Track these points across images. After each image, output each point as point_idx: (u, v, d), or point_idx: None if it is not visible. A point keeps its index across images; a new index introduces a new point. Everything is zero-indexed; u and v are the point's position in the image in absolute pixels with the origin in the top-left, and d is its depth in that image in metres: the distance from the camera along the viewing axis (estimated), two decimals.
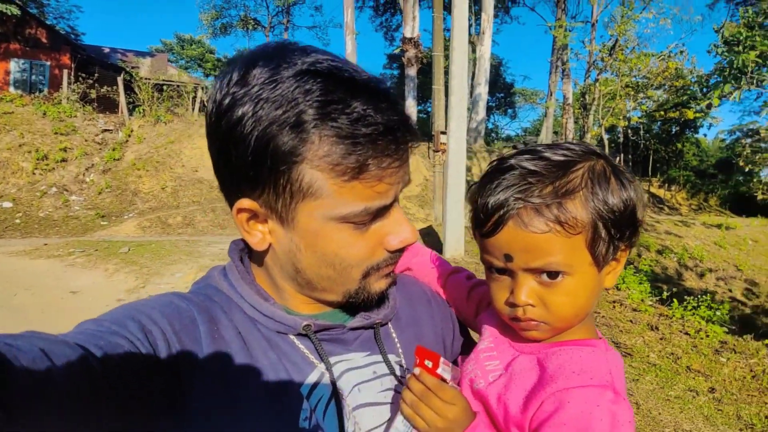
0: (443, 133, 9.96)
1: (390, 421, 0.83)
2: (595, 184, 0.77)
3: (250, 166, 0.69)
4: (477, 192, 0.84)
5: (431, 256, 1.17)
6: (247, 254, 0.90)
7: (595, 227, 0.76)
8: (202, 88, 20.71)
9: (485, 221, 0.80)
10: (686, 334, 6.22)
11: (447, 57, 10.47)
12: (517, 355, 0.86)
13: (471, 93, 25.14)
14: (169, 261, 8.25)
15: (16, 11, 22.23)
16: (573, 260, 0.77)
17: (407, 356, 0.90)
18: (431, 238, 10.19)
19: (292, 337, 0.81)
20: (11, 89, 23.12)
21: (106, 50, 30.78)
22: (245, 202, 0.73)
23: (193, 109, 19.28)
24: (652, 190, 38.32)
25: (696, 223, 16.78)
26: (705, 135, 58.63)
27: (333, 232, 0.73)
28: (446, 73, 10.50)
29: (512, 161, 0.80)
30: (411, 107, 22.09)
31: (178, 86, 19.66)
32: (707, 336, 6.13)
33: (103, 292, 7.01)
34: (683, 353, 5.76)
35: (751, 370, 5.44)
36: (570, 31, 26.60)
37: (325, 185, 0.69)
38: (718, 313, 6.97)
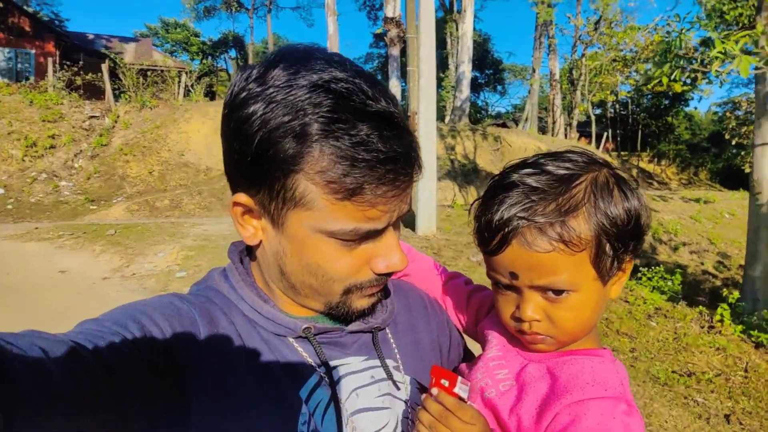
0: (416, 113, 10.25)
1: None
2: (598, 198, 0.77)
3: (250, 164, 0.70)
4: (481, 208, 0.84)
5: (429, 262, 1.17)
6: (247, 255, 0.91)
7: (599, 243, 0.77)
8: (186, 73, 20.82)
9: (489, 240, 0.81)
10: (626, 301, 6.58)
11: None
12: (525, 363, 0.86)
13: (455, 71, 25.29)
14: (153, 242, 8.58)
15: None
16: (577, 277, 0.78)
17: (405, 361, 0.91)
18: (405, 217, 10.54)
19: (290, 339, 0.81)
20: None
21: (91, 37, 30.70)
22: (242, 197, 0.75)
23: (177, 94, 19.45)
24: (642, 164, 38.53)
25: (675, 197, 17.09)
26: (696, 108, 58.54)
27: (319, 243, 0.73)
28: None
29: (515, 177, 0.81)
30: (395, 87, 22.17)
31: (162, 71, 19.82)
32: (645, 303, 6.51)
33: (89, 271, 7.35)
34: (617, 318, 6.10)
35: (675, 333, 5.83)
36: (553, 6, 26.65)
37: (317, 199, 0.69)
38: (669, 283, 7.37)
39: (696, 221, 14.57)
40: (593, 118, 33.34)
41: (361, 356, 0.85)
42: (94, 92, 19.14)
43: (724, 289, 7.13)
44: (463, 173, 18.21)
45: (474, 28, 31.95)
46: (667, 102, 40.70)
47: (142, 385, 0.64)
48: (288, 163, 0.68)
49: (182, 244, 8.38)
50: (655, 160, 40.49)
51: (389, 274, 0.80)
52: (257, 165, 0.69)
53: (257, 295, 0.83)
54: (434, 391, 0.78)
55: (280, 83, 0.68)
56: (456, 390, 0.77)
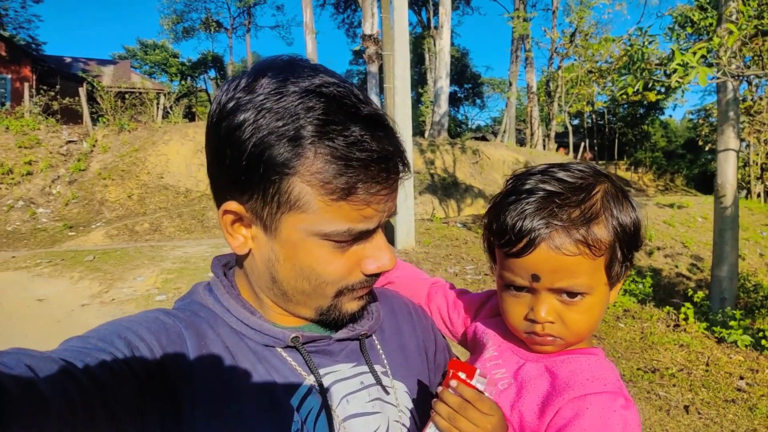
0: None
1: None
2: (614, 207, 0.82)
3: (243, 170, 0.70)
4: (499, 210, 0.86)
5: (412, 270, 1.20)
6: (230, 269, 0.92)
7: (614, 249, 0.82)
8: (165, 94, 20.90)
9: (515, 242, 0.82)
10: None
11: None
12: (523, 363, 0.89)
13: (434, 86, 25.60)
14: (132, 266, 8.59)
15: None
16: (594, 281, 0.82)
17: (392, 367, 0.92)
18: (385, 231, 10.67)
19: (279, 349, 0.82)
20: None
21: (68, 60, 30.64)
22: (232, 205, 0.75)
23: (156, 116, 19.48)
24: (619, 172, 39.05)
25: (650, 203, 17.38)
26: (671, 116, 59.59)
27: (313, 247, 0.74)
28: None
29: (530, 183, 0.84)
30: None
31: (140, 93, 19.82)
32: (614, 305, 6.69)
33: (68, 298, 7.33)
34: None
35: (642, 333, 6.02)
36: (528, 21, 27.14)
37: (312, 201, 0.70)
38: (640, 286, 7.56)
39: (670, 226, 14.85)
40: (570, 128, 33.86)
41: (350, 363, 0.86)
42: (71, 116, 19.08)
43: (689, 290, 7.34)
44: (442, 187, 18.40)
45: (452, 43, 32.44)
46: (642, 111, 41.46)
47: (132, 399, 0.64)
48: (283, 166, 0.68)
49: (161, 267, 8.41)
50: (632, 167, 41.08)
51: (378, 275, 0.82)
52: (250, 171, 0.70)
53: (243, 307, 0.83)
54: (453, 383, 0.79)
55: (270, 91, 0.69)
56: (473, 382, 0.79)
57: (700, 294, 7.04)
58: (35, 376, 0.51)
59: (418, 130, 33.62)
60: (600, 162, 39.96)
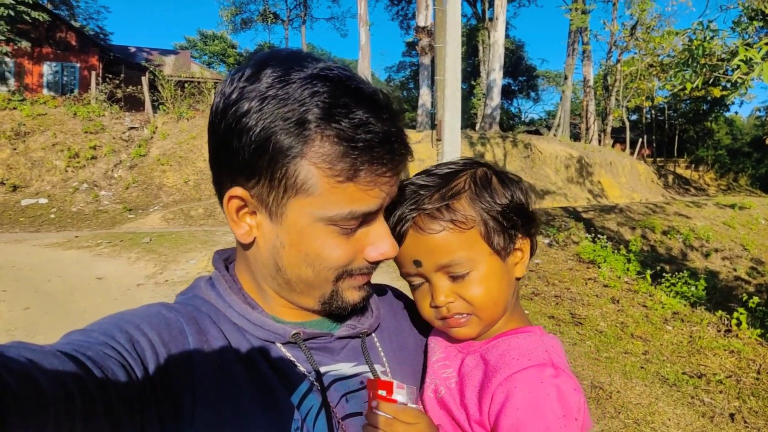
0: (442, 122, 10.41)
1: None
2: (478, 186, 0.87)
3: (250, 156, 0.71)
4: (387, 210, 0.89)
5: None
6: (232, 263, 0.92)
7: (485, 221, 0.85)
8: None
9: (395, 235, 0.85)
10: (644, 306, 6.58)
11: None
12: (464, 357, 0.91)
13: (486, 79, 25.30)
14: (186, 249, 8.95)
15: (46, 17, 23.28)
16: (473, 253, 0.85)
17: (392, 366, 0.92)
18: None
19: (279, 345, 0.82)
20: (45, 91, 24.39)
21: (132, 50, 31.85)
22: (238, 191, 0.75)
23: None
24: (678, 170, 37.67)
25: (709, 203, 16.74)
26: (737, 113, 56.90)
27: (319, 232, 0.75)
28: None
29: (406, 182, 0.89)
30: (425, 95, 22.38)
31: (199, 83, 20.45)
32: (662, 307, 6.51)
33: (125, 277, 7.72)
34: (633, 322, 6.13)
35: (690, 336, 5.83)
36: (587, 13, 26.39)
37: (318, 183, 0.71)
38: (693, 288, 7.32)
39: (730, 227, 14.26)
40: (628, 124, 32.81)
41: (350, 362, 0.86)
42: (134, 104, 19.93)
43: (744, 294, 7.05)
44: None
45: (507, 35, 31.88)
46: (706, 107, 39.75)
47: (132, 394, 0.63)
48: (291, 149, 0.69)
49: (213, 251, 8.70)
50: (693, 165, 39.53)
51: (379, 263, 0.82)
52: (257, 156, 0.70)
53: (245, 302, 0.84)
54: (374, 403, 0.80)
55: (274, 79, 0.70)
56: (395, 396, 0.80)
57: (756, 299, 6.76)
58: (35, 370, 0.51)
59: (469, 122, 33.32)
60: (658, 159, 38.61)
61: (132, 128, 17.17)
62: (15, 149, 15.35)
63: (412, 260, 0.87)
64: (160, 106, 18.69)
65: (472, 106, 34.69)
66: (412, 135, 16.20)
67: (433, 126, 15.23)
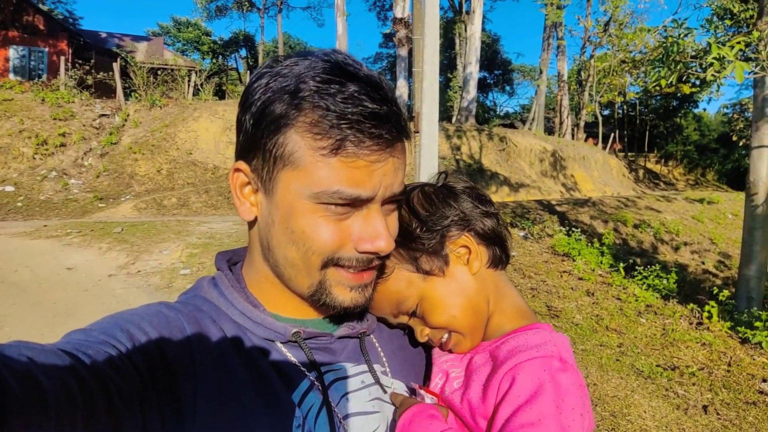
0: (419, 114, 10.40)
1: None
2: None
3: (251, 128, 0.74)
4: None
5: None
6: (236, 264, 0.94)
7: (401, 257, 0.87)
8: (196, 72, 21.09)
9: None
10: (618, 299, 6.70)
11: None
12: (472, 355, 0.90)
13: (463, 72, 25.37)
14: (159, 240, 8.79)
15: None
16: (409, 289, 0.88)
17: (392, 366, 0.93)
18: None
19: (280, 344, 0.82)
20: (11, 76, 23.67)
21: (103, 35, 31.11)
22: (241, 164, 0.78)
23: (187, 92, 19.70)
24: (649, 165, 38.36)
25: (678, 198, 17.08)
26: (705, 109, 58.11)
27: (306, 210, 0.74)
28: None
29: None
30: (402, 87, 22.35)
31: (172, 70, 20.07)
32: (636, 300, 6.63)
33: (96, 268, 7.56)
34: (608, 315, 6.23)
35: (663, 329, 5.95)
36: (562, 8, 26.64)
37: (304, 155, 0.71)
38: (664, 281, 7.47)
39: (698, 221, 14.59)
40: (600, 118, 33.34)
41: (350, 363, 0.87)
42: (105, 91, 19.45)
43: (714, 288, 7.22)
44: (468, 173, 18.32)
45: (483, 29, 31.99)
46: (675, 103, 40.56)
47: (133, 393, 0.63)
48: (281, 119, 0.71)
49: (187, 242, 8.59)
50: (663, 160, 40.35)
51: (372, 261, 0.80)
52: (256, 127, 0.74)
53: (247, 300, 0.84)
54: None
55: (289, 62, 0.74)
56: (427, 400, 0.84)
57: (726, 292, 6.92)
58: (36, 369, 0.51)
59: (445, 115, 33.39)
60: (629, 154, 39.29)
61: (103, 115, 16.79)
62: None
63: (381, 315, 0.92)
64: (132, 94, 18.32)
65: (449, 99, 34.76)
66: None
67: (410, 118, 15.27)
